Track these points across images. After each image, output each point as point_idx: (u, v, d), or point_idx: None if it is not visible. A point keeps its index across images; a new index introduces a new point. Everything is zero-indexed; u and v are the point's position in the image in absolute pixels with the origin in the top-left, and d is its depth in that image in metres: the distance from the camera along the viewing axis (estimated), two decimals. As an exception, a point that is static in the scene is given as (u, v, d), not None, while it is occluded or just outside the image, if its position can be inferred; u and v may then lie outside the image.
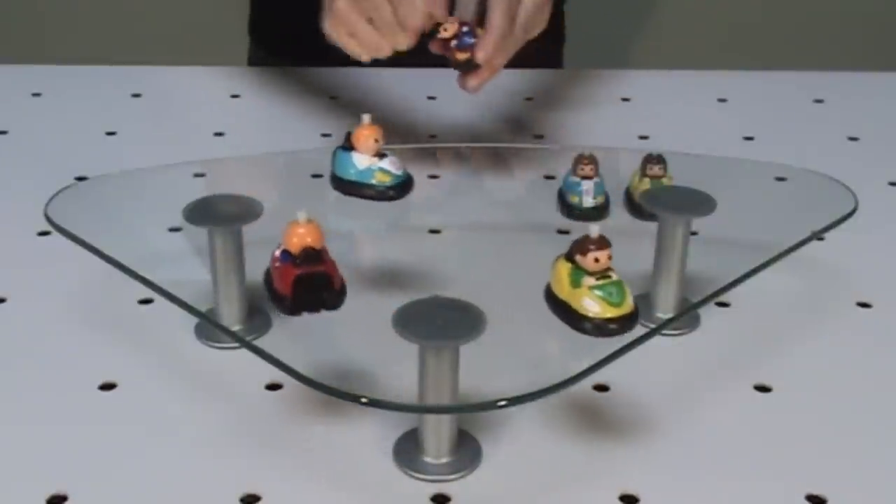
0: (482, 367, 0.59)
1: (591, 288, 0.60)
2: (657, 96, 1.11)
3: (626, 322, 0.61)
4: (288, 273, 0.60)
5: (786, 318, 0.75)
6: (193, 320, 0.70)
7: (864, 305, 0.77)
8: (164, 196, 0.79)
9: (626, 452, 0.62)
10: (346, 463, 0.61)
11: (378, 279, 0.79)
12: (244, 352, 0.60)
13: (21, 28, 1.98)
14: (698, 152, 0.86)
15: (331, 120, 1.03)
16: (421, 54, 0.83)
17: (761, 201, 0.83)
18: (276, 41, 1.21)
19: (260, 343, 0.68)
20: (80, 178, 0.87)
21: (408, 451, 0.61)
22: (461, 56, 0.80)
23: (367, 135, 0.74)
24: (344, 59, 0.87)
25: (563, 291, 0.61)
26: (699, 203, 0.70)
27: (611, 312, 0.60)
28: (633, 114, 1.07)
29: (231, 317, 0.71)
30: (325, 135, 1.00)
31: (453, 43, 0.80)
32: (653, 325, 0.69)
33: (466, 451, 0.61)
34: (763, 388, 0.68)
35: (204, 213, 0.69)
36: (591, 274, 0.61)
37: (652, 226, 0.72)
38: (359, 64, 0.84)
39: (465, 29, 0.80)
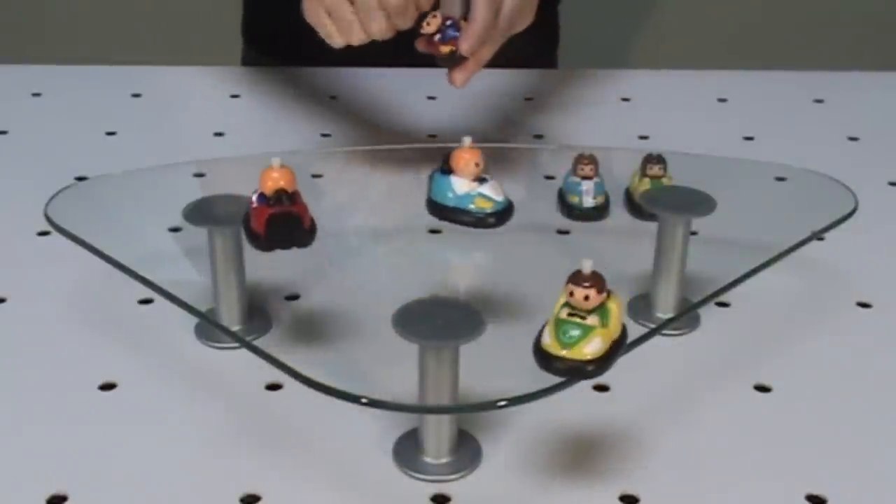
0: (482, 367, 0.59)
1: (558, 319, 0.56)
2: (657, 96, 1.11)
3: (566, 367, 0.55)
4: (262, 213, 0.63)
5: (786, 318, 0.75)
6: (193, 320, 0.70)
7: (864, 305, 0.77)
8: (164, 196, 0.79)
9: (626, 452, 0.62)
10: (346, 463, 0.61)
11: (378, 279, 0.79)
12: (244, 352, 0.60)
13: (21, 28, 1.98)
14: (698, 152, 0.86)
15: (330, 120, 1.03)
16: (420, 54, 0.83)
17: (761, 201, 0.83)
18: (268, 42, 1.21)
19: (260, 343, 0.68)
20: (80, 178, 0.87)
21: (408, 451, 0.61)
22: (445, 49, 0.79)
23: (467, 158, 0.68)
24: (338, 60, 0.86)
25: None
26: (699, 203, 0.70)
27: (556, 349, 0.55)
28: (633, 114, 1.07)
29: (231, 317, 0.71)
30: (324, 135, 1.00)
31: (437, 37, 0.79)
32: (653, 325, 0.69)
33: (466, 451, 0.61)
34: (763, 388, 0.68)
35: (204, 213, 0.69)
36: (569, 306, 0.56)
37: (652, 226, 0.72)
38: (358, 64, 0.84)
39: (448, 23, 0.79)
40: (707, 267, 0.73)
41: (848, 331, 0.74)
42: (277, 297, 0.75)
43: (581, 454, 0.62)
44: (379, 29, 0.78)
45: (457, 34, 0.79)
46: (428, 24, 0.78)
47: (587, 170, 0.78)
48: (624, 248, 0.82)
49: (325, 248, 0.83)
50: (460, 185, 0.68)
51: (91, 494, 0.59)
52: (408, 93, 1.07)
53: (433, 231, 0.83)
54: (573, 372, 0.54)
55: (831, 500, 0.59)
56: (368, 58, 1.03)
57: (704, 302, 0.68)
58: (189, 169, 0.85)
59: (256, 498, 0.58)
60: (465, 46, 0.78)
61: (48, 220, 0.70)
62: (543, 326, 0.56)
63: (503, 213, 0.69)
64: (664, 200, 0.72)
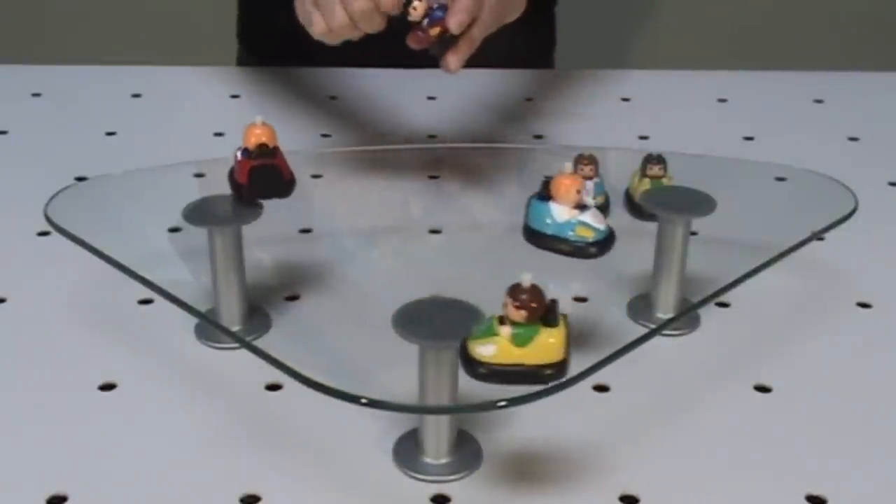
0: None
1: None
2: (657, 96, 1.11)
3: (462, 356, 0.55)
4: (245, 166, 0.67)
5: (786, 318, 0.75)
6: (193, 320, 0.70)
7: (864, 305, 0.77)
8: (164, 196, 0.79)
9: (626, 452, 0.62)
10: (346, 463, 0.61)
11: (378, 279, 0.79)
12: (244, 352, 0.60)
13: (21, 28, 1.98)
14: (698, 152, 0.86)
15: (331, 120, 1.03)
16: (421, 55, 0.83)
17: (761, 201, 0.83)
18: (262, 45, 1.21)
19: (260, 343, 0.68)
20: (80, 178, 0.87)
21: (408, 452, 0.61)
22: (434, 31, 0.76)
23: (568, 185, 0.65)
24: (333, 61, 0.86)
25: None
26: (699, 203, 0.70)
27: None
28: (633, 114, 1.07)
29: (231, 317, 0.71)
30: (324, 135, 1.00)
31: (425, 22, 0.76)
32: (653, 325, 0.69)
33: (466, 452, 0.61)
34: (763, 388, 0.68)
35: (204, 213, 0.69)
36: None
37: (652, 226, 0.72)
38: (358, 64, 0.84)
39: (435, 5, 0.76)
40: (707, 267, 0.73)
41: (848, 331, 0.74)
42: (277, 297, 0.75)
43: (581, 454, 0.62)
44: (365, 19, 0.76)
45: (444, 14, 0.76)
46: (415, 8, 0.76)
47: (587, 170, 0.78)
48: (624, 248, 0.82)
49: (325, 248, 0.84)
50: (560, 213, 0.65)
51: (91, 494, 0.59)
52: (408, 93, 1.07)
53: (433, 231, 0.83)
54: (464, 362, 0.55)
55: (831, 500, 0.59)
56: (368, 58, 1.03)
57: (704, 302, 0.68)
58: (189, 169, 0.85)
59: (256, 498, 0.58)
60: (452, 22, 0.76)
61: (48, 220, 0.70)
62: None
63: (605, 243, 0.65)
64: (664, 200, 0.72)
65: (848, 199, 0.75)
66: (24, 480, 0.59)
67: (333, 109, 1.05)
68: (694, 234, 0.72)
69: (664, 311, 0.73)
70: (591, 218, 0.65)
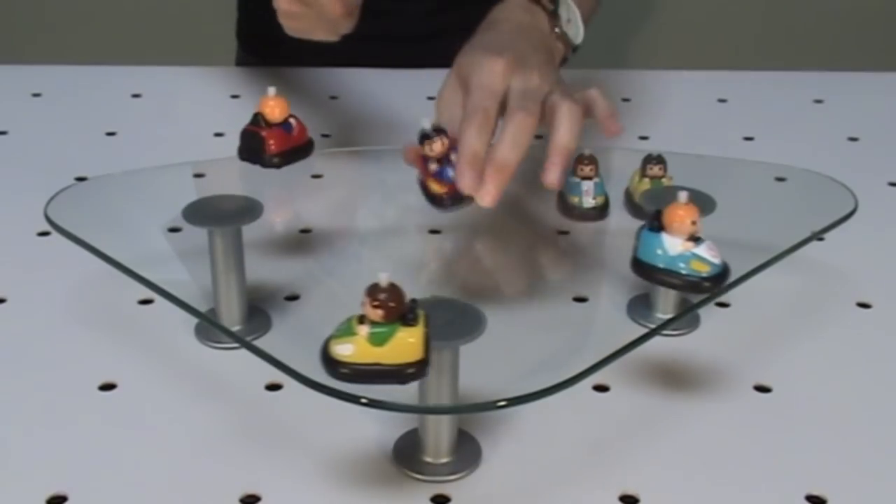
0: (482, 368, 0.59)
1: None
2: (657, 96, 1.11)
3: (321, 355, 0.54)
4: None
5: (786, 318, 0.75)
6: (193, 320, 0.70)
7: (864, 305, 0.77)
8: (164, 196, 0.79)
9: (626, 452, 0.62)
10: (346, 463, 0.61)
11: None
12: (244, 352, 0.60)
13: (21, 28, 1.99)
14: (698, 152, 0.86)
15: (331, 120, 1.03)
16: (422, 56, 0.83)
17: (761, 201, 0.83)
18: (261, 46, 1.21)
19: (260, 343, 0.68)
20: (80, 179, 0.87)
21: (408, 452, 0.61)
22: (438, 188, 0.66)
23: (682, 215, 0.61)
24: (331, 63, 0.86)
25: None
26: (699, 203, 0.70)
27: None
28: (633, 114, 1.07)
29: (231, 317, 0.71)
30: (324, 135, 1.00)
31: (433, 167, 0.66)
32: (653, 325, 0.69)
33: (466, 452, 0.61)
34: (763, 388, 0.68)
35: (204, 213, 0.69)
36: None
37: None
38: (357, 64, 0.83)
39: (452, 156, 0.65)
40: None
41: (848, 331, 0.74)
42: (277, 297, 0.75)
43: (581, 454, 0.62)
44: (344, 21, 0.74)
45: (452, 175, 0.65)
46: (432, 149, 0.65)
47: (587, 170, 0.78)
48: (624, 248, 0.82)
49: (325, 248, 0.83)
50: (673, 245, 0.61)
51: (91, 494, 0.59)
52: (408, 93, 1.07)
53: (433, 231, 0.83)
54: (325, 362, 0.54)
55: (831, 500, 0.59)
56: (368, 58, 1.03)
57: (704, 302, 0.68)
58: (189, 169, 0.85)
59: (256, 498, 0.58)
60: (460, 184, 0.65)
61: (48, 220, 0.70)
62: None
63: (720, 278, 0.61)
64: (664, 200, 0.72)
65: (848, 200, 0.75)
66: (24, 480, 0.59)
67: (333, 109, 1.05)
68: (694, 233, 0.72)
69: (664, 311, 0.73)
70: (706, 251, 0.61)
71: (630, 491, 0.59)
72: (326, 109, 1.05)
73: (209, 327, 0.70)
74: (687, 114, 1.07)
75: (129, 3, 1.97)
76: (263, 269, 0.78)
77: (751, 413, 0.66)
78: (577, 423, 0.64)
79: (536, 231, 0.84)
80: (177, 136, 1.00)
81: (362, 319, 0.53)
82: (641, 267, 0.62)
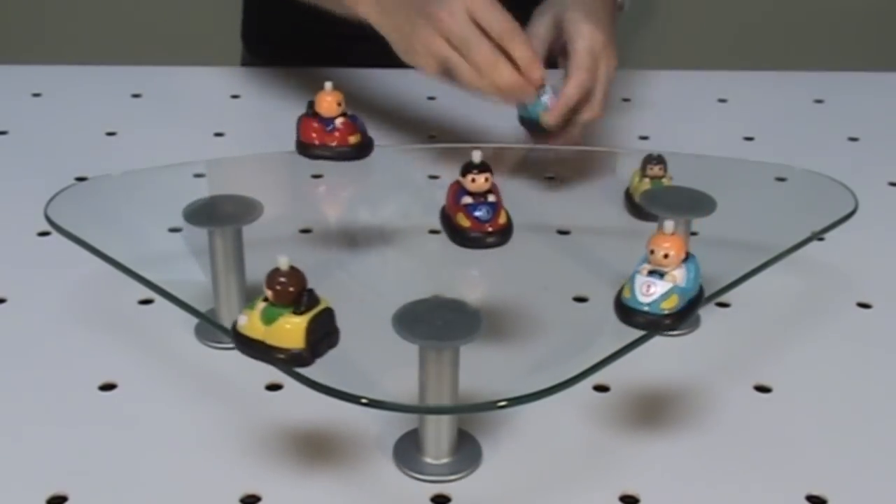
0: (482, 368, 0.59)
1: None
2: (657, 96, 1.11)
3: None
4: (307, 124, 0.76)
5: (786, 318, 0.75)
6: (193, 320, 0.70)
7: (864, 305, 0.77)
8: (164, 196, 0.79)
9: (626, 452, 0.62)
10: (346, 463, 0.61)
11: (378, 280, 0.79)
12: (244, 352, 0.60)
13: (21, 28, 1.98)
14: (698, 152, 0.86)
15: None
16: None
17: (761, 201, 0.83)
18: (267, 47, 1.21)
19: (260, 343, 0.68)
20: (80, 179, 0.87)
21: (408, 452, 0.61)
22: (464, 222, 0.68)
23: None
24: (337, 63, 0.86)
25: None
26: (699, 203, 0.70)
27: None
28: (633, 114, 1.07)
29: (231, 317, 0.71)
30: (325, 135, 1.00)
31: (466, 199, 0.68)
32: (653, 326, 0.69)
33: (466, 452, 0.61)
34: (763, 388, 0.68)
35: (204, 213, 0.69)
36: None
37: (652, 226, 0.72)
38: (359, 64, 0.84)
39: (490, 197, 0.68)
40: (707, 267, 0.73)
41: (848, 331, 0.74)
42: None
43: (581, 454, 0.62)
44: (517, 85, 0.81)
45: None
46: (474, 180, 0.67)
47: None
48: (624, 248, 0.82)
49: (325, 248, 0.83)
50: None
51: (91, 494, 0.59)
52: (408, 93, 1.07)
53: (433, 231, 0.83)
54: (232, 329, 0.57)
55: (831, 500, 0.59)
56: (368, 58, 1.03)
57: (705, 302, 0.68)
58: (189, 169, 0.85)
59: (256, 498, 0.58)
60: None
61: (48, 220, 0.70)
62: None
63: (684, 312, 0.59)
64: (664, 200, 0.72)
65: (848, 199, 0.75)
66: (24, 480, 0.59)
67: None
68: (694, 234, 0.72)
69: (664, 312, 0.72)
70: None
71: (630, 491, 0.59)
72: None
73: (209, 327, 0.70)
74: (687, 114, 1.07)
75: (129, 3, 1.97)
76: (263, 269, 0.77)
77: (751, 413, 0.66)
78: (577, 423, 0.64)
79: (536, 231, 0.84)
80: (177, 136, 1.00)
81: (266, 297, 0.55)
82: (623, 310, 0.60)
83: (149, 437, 0.63)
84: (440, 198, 0.70)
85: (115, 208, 0.78)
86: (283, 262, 0.55)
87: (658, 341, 0.62)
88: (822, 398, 0.67)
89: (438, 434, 0.60)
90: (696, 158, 0.84)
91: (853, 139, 1.03)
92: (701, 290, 0.61)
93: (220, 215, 0.69)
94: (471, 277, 0.80)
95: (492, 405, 0.55)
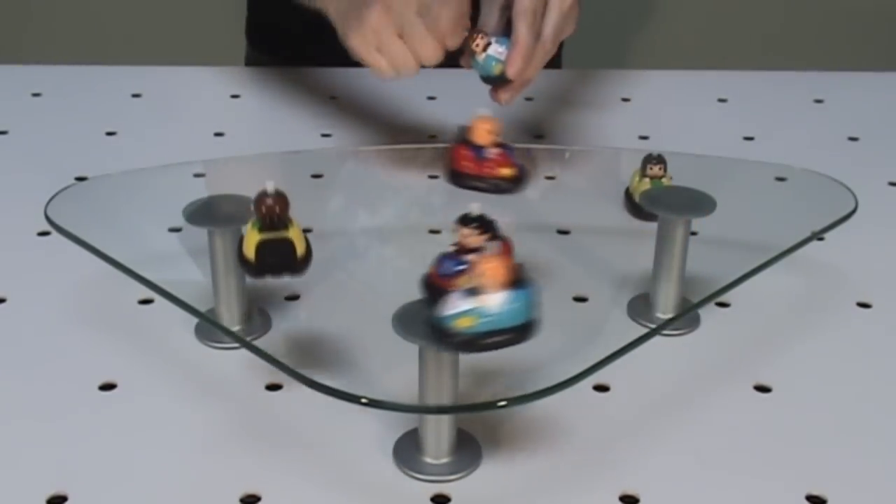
0: (482, 368, 0.59)
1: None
2: (657, 96, 1.11)
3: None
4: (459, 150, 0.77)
5: (786, 318, 0.75)
6: (193, 320, 0.70)
7: (864, 305, 0.77)
8: (164, 196, 0.79)
9: (626, 452, 0.62)
10: (346, 463, 0.61)
11: (378, 279, 0.79)
12: (244, 352, 0.60)
13: (21, 28, 1.99)
14: (698, 152, 0.86)
15: (331, 120, 1.03)
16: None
17: (761, 201, 0.83)
18: (272, 45, 1.21)
19: (260, 343, 0.68)
20: (80, 178, 0.87)
21: (408, 451, 0.61)
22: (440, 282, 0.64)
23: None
24: (340, 61, 0.86)
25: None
26: (699, 203, 0.70)
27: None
28: (633, 114, 1.07)
29: (231, 317, 0.71)
30: (325, 135, 1.00)
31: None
32: (653, 325, 0.69)
33: (466, 452, 0.61)
34: (763, 388, 0.68)
35: (204, 213, 0.69)
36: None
37: (652, 226, 0.72)
38: (357, 64, 0.84)
39: (471, 257, 0.63)
40: (707, 267, 0.73)
41: (848, 331, 0.74)
42: (277, 297, 0.75)
43: (581, 454, 0.62)
44: (430, 54, 0.79)
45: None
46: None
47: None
48: (624, 248, 0.82)
49: (325, 248, 0.83)
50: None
51: (91, 494, 0.59)
52: (408, 93, 1.07)
53: (433, 231, 0.83)
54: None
55: (831, 500, 0.59)
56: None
57: (704, 302, 0.68)
58: (189, 169, 0.85)
59: (256, 498, 0.58)
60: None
61: (48, 220, 0.70)
62: None
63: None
64: (664, 200, 0.72)
65: (848, 199, 0.75)
66: (24, 480, 0.59)
67: (333, 109, 1.05)
68: (694, 234, 0.72)
69: (664, 311, 0.73)
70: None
71: (630, 491, 0.59)
72: (327, 109, 1.05)
73: (209, 327, 0.70)
74: (687, 114, 1.07)
75: (129, 3, 1.97)
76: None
77: (751, 413, 0.66)
78: (577, 423, 0.64)
79: (536, 231, 0.84)
80: (177, 136, 1.00)
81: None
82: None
83: (149, 437, 0.63)
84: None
85: (114, 208, 0.78)
86: (269, 186, 0.62)
87: (658, 341, 0.62)
88: (822, 398, 0.67)
89: (438, 434, 0.60)
90: (696, 158, 0.84)
91: (853, 139, 1.03)
92: (528, 325, 0.56)
93: (219, 215, 0.69)
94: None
95: (492, 405, 0.55)
